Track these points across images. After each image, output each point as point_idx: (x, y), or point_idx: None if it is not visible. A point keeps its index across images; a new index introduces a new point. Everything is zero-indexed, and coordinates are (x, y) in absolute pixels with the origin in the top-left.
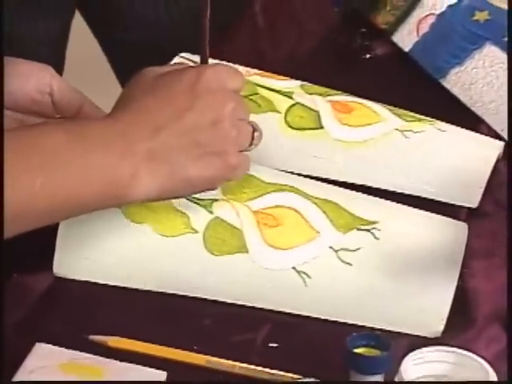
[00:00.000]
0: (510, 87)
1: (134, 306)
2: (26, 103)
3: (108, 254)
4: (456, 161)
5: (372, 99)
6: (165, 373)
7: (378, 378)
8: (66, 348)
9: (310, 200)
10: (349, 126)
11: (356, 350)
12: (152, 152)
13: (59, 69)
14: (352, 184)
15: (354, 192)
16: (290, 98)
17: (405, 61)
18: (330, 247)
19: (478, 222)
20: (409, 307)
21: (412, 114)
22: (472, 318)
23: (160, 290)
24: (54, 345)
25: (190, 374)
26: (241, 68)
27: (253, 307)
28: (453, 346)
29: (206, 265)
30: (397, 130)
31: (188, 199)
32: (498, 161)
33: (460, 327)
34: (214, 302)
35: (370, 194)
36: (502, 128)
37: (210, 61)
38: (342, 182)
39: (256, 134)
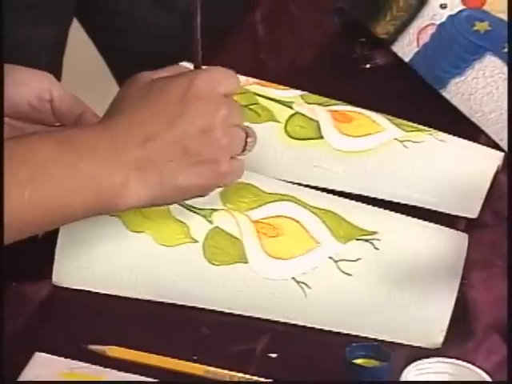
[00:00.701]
0: (509, 98)
1: (133, 315)
2: (25, 110)
3: (108, 263)
4: (456, 171)
5: (372, 109)
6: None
7: None
8: (65, 357)
9: (310, 210)
10: (349, 136)
11: (355, 361)
12: (142, 161)
13: (57, 76)
14: (352, 194)
15: (353, 202)
16: (290, 107)
17: (405, 71)
18: (330, 257)
19: (477, 232)
20: (409, 318)
21: (412, 124)
22: (472, 329)
23: (160, 300)
24: (52, 354)
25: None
26: (240, 77)
27: (252, 317)
28: (452, 357)
29: (205, 274)
30: (396, 139)
31: (188, 209)
32: (497, 171)
33: (460, 338)
34: (214, 311)
35: (369, 203)
36: (501, 138)
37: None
38: (342, 191)
39: (249, 139)
